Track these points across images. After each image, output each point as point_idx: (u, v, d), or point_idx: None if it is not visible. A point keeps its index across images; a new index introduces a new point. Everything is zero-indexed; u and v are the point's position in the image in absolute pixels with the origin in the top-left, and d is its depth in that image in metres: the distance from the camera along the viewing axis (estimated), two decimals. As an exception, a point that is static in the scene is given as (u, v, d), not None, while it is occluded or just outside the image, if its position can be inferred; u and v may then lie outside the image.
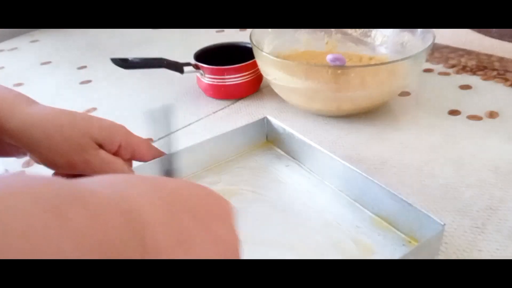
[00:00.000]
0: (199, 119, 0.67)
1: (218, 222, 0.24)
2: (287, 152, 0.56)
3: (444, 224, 0.38)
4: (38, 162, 0.41)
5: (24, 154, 0.42)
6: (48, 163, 0.40)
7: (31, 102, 0.42)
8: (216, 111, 0.69)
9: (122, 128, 0.44)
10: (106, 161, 0.41)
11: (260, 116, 0.57)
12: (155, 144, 0.47)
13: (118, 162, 0.42)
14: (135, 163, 0.47)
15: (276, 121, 0.56)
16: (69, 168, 0.41)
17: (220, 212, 0.25)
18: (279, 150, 0.57)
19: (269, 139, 0.58)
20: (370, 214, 0.45)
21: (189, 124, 0.66)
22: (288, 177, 0.52)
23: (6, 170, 0.59)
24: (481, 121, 0.61)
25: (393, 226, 0.43)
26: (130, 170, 0.44)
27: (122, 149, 0.43)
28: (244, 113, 0.68)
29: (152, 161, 0.46)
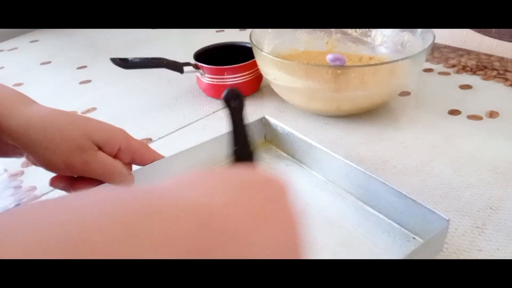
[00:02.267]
0: (199, 119, 0.67)
1: (273, 204, 0.29)
2: (286, 152, 0.56)
3: (449, 220, 0.38)
4: (36, 164, 0.41)
5: (21, 154, 0.42)
6: (46, 165, 0.40)
7: (30, 102, 0.42)
8: (216, 111, 0.69)
9: (122, 132, 0.44)
10: (105, 163, 0.41)
11: (260, 116, 0.57)
12: (154, 145, 0.47)
13: (117, 164, 0.42)
14: (134, 167, 0.47)
15: (274, 121, 0.56)
16: (67, 170, 0.40)
17: (277, 195, 0.30)
18: (278, 150, 0.57)
19: (267, 139, 0.58)
20: (373, 211, 0.45)
21: (189, 124, 0.66)
22: (289, 176, 0.52)
23: (6, 170, 0.59)
24: (481, 121, 0.61)
25: (397, 223, 0.43)
26: (129, 173, 0.44)
27: (122, 153, 0.43)
28: (244, 113, 0.68)
29: (151, 164, 0.46)
